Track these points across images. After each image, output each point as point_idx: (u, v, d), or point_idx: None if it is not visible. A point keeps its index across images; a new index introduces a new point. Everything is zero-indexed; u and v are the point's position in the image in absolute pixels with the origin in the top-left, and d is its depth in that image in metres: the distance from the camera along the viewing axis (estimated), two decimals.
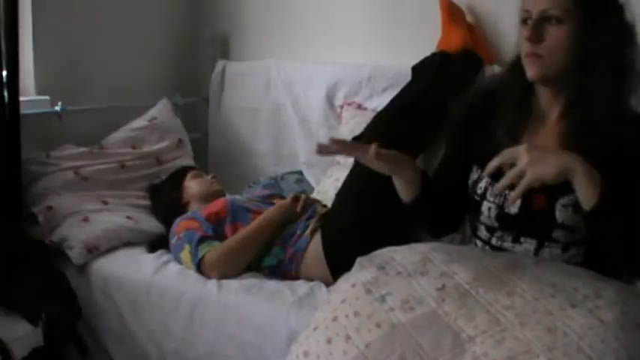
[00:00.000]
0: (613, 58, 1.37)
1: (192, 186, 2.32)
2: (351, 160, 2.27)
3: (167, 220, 2.24)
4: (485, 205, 1.49)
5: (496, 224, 1.48)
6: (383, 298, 1.26)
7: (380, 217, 1.89)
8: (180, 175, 2.39)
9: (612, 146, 1.33)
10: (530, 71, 1.41)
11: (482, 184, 1.51)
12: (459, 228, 1.76)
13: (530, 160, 1.24)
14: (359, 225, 1.92)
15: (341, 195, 2.04)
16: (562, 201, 1.37)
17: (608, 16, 1.37)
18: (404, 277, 1.31)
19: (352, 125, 2.48)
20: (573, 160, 1.25)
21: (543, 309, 1.18)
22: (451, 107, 1.60)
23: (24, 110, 2.20)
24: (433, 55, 2.25)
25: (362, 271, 1.36)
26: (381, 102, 2.39)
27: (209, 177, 2.38)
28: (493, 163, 1.31)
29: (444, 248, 1.41)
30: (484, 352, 1.11)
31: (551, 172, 1.24)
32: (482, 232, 1.53)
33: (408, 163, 1.54)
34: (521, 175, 1.26)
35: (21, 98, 2.18)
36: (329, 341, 1.22)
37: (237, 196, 2.31)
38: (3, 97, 2.11)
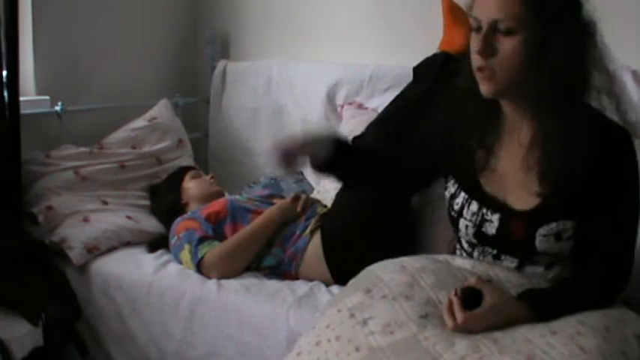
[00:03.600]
0: (573, 63, 1.25)
1: (191, 187, 2.32)
2: None
3: (167, 220, 2.23)
4: (462, 223, 1.43)
5: (475, 241, 1.44)
6: (365, 322, 1.27)
7: (380, 217, 1.89)
8: (179, 175, 2.38)
9: (587, 157, 1.26)
10: (484, 88, 1.30)
11: (458, 200, 1.44)
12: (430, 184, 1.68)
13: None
14: (359, 225, 1.91)
15: (341, 195, 2.03)
16: (542, 231, 1.32)
17: (563, 20, 1.24)
18: (388, 300, 1.31)
19: (353, 125, 2.48)
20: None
21: (523, 338, 1.18)
22: (424, 126, 1.51)
23: (24, 110, 2.20)
24: (435, 55, 2.24)
25: (350, 296, 1.37)
26: (382, 102, 2.39)
27: (208, 177, 2.37)
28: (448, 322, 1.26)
29: (434, 267, 1.39)
30: None
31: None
32: (465, 245, 1.50)
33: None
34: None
35: (21, 98, 2.18)
36: None
37: (237, 197, 2.31)
38: (3, 97, 2.10)
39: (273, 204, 2.13)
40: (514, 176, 1.37)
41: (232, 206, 2.12)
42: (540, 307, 1.25)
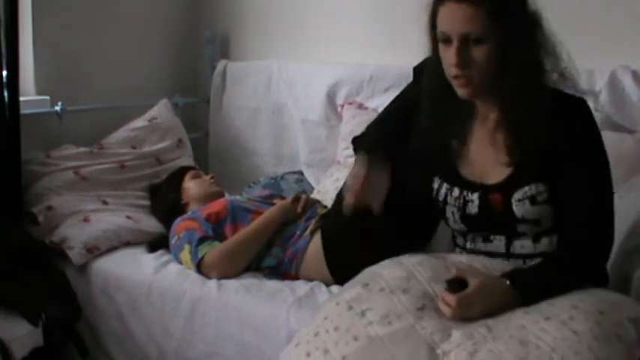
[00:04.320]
0: (533, 54, 1.39)
1: (191, 187, 2.31)
2: (351, 160, 2.27)
3: (167, 220, 2.23)
4: (448, 210, 1.53)
5: (463, 227, 1.52)
6: (363, 313, 1.30)
7: (379, 217, 1.89)
8: (179, 175, 2.38)
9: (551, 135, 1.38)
10: (461, 92, 1.42)
11: (442, 191, 1.55)
12: (431, 238, 1.80)
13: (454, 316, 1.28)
14: (359, 225, 1.91)
15: (341, 195, 2.03)
16: (516, 196, 1.41)
17: (519, 18, 1.37)
18: (386, 293, 1.35)
19: (353, 125, 2.48)
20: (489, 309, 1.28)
21: (516, 325, 1.21)
22: (414, 137, 1.61)
23: (24, 110, 2.20)
24: None
25: (348, 290, 1.41)
26: (382, 102, 2.38)
27: (208, 177, 2.37)
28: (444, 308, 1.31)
29: (430, 263, 1.43)
30: None
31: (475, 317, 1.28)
32: (459, 240, 1.59)
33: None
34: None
35: (21, 98, 2.19)
36: (308, 355, 1.26)
37: (238, 197, 2.31)
38: (3, 97, 2.11)
39: (273, 204, 2.13)
40: (485, 155, 1.48)
41: (232, 206, 2.12)
42: (521, 280, 1.31)
